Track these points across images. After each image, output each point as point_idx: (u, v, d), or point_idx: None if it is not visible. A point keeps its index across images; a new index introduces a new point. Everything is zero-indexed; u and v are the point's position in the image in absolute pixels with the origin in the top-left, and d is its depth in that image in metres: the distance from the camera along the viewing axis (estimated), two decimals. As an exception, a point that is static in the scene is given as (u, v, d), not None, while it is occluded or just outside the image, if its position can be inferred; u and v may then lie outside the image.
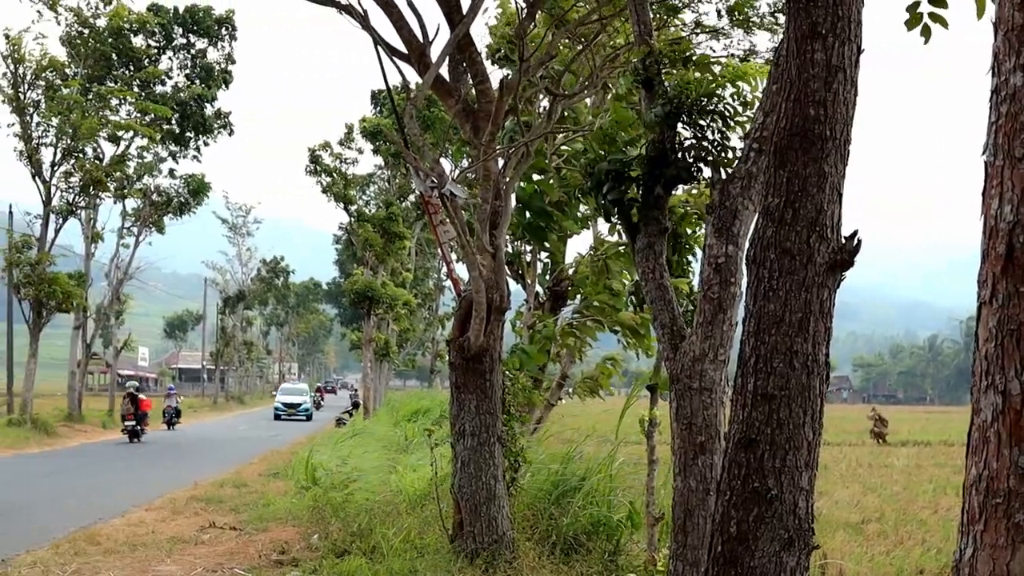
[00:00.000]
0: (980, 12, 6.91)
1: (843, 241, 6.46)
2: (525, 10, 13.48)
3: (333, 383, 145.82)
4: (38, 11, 47.58)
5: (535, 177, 16.78)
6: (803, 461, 6.47)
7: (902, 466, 34.12)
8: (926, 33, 7.47)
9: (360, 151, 62.36)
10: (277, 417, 72.70)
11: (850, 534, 18.30)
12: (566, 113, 16.49)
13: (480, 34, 17.05)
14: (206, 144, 60.19)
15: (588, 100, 17.96)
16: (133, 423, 45.24)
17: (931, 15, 7.43)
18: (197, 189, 61.93)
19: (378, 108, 62.55)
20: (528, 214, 16.90)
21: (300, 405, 74.73)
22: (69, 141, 47.67)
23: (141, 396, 46.61)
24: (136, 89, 54.24)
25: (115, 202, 56.46)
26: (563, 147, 17.49)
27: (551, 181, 16.74)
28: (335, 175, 60.64)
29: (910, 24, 7.46)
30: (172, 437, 50.33)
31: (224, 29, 58.68)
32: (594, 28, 14.16)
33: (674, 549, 9.20)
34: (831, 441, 41.44)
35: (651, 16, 10.84)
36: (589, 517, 14.39)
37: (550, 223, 17.16)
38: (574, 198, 17.04)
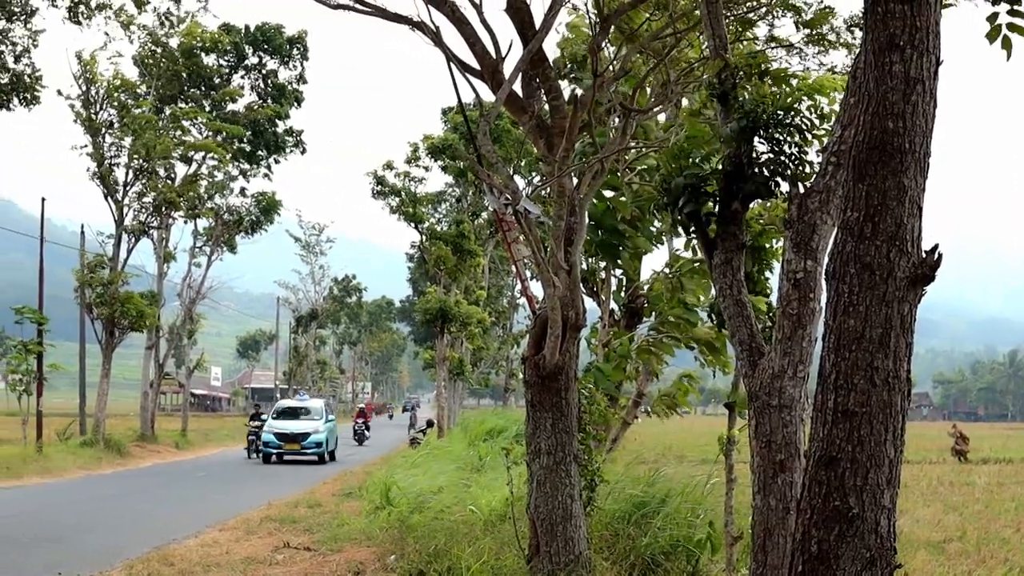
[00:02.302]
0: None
1: (923, 255, 6.37)
2: (599, 25, 13.41)
3: (413, 402, 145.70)
4: (106, 33, 48.40)
5: (607, 194, 16.69)
6: (885, 479, 6.39)
7: (984, 484, 33.63)
8: (1007, 46, 7.36)
9: (427, 168, 62.20)
10: (267, 459, 46.87)
11: (932, 553, 18.05)
12: (637, 128, 16.37)
13: (554, 45, 16.97)
14: (277, 162, 60.70)
15: (661, 117, 17.87)
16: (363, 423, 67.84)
17: (1009, 25, 7.32)
18: (268, 207, 62.34)
19: (447, 123, 62.41)
20: (600, 232, 16.80)
21: (308, 435, 46.95)
22: (142, 161, 48.31)
23: (361, 406, 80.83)
24: (207, 108, 54.77)
25: (186, 222, 56.99)
26: (635, 162, 17.41)
27: (623, 198, 16.65)
28: (403, 195, 60.49)
29: (991, 36, 7.36)
30: (239, 457, 51.02)
31: (296, 49, 59.14)
32: (667, 42, 14.06)
33: (754, 569, 9.10)
34: (911, 459, 40.92)
35: (726, 30, 10.77)
36: (669, 538, 14.27)
37: (622, 241, 17.07)
38: (649, 213, 16.93)
